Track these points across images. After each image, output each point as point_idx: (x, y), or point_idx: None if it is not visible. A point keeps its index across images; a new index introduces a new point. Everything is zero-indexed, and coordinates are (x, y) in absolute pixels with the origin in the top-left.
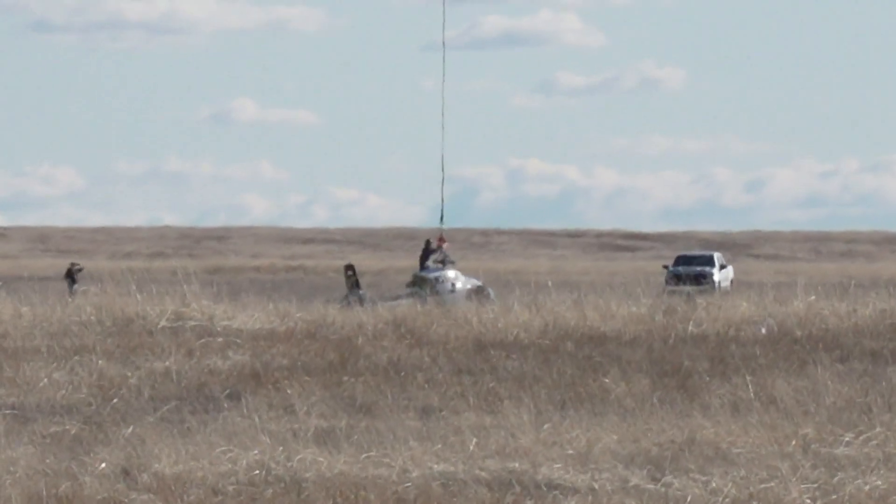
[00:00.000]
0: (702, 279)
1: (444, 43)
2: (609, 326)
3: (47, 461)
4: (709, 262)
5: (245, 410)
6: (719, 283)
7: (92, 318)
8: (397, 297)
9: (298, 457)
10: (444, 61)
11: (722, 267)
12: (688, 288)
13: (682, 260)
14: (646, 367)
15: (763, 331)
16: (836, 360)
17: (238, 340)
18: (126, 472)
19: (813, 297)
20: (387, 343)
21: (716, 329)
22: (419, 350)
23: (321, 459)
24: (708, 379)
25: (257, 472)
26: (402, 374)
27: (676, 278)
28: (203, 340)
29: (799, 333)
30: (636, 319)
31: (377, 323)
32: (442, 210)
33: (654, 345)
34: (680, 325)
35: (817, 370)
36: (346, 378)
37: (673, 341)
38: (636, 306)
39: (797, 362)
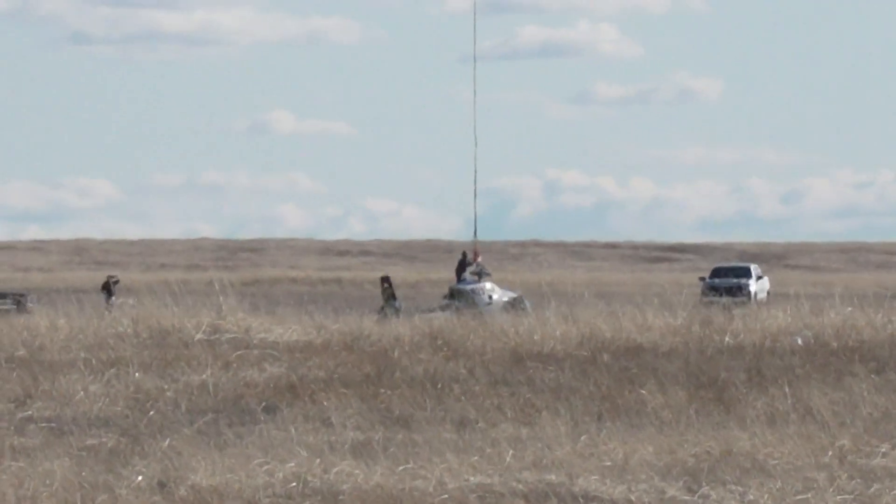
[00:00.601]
0: (738, 291)
1: (475, 55)
2: (646, 338)
3: (84, 474)
4: (745, 273)
5: (281, 423)
6: (755, 294)
7: (128, 330)
8: (433, 310)
9: (335, 469)
10: (475, 73)
11: (758, 278)
12: (724, 299)
13: (718, 272)
14: (682, 379)
15: (799, 342)
16: (872, 371)
17: (274, 353)
18: (162, 485)
19: (850, 309)
20: (423, 355)
21: (752, 340)
22: (456, 362)
23: (358, 472)
24: (745, 390)
25: (294, 484)
26: (439, 386)
27: (713, 290)
28: (239, 353)
29: (835, 345)
30: (673, 331)
31: (414, 335)
32: (475, 224)
33: (690, 356)
34: (717, 336)
35: (853, 381)
36: (382, 390)
37: (710, 353)
38: (673, 318)
39: (833, 373)
